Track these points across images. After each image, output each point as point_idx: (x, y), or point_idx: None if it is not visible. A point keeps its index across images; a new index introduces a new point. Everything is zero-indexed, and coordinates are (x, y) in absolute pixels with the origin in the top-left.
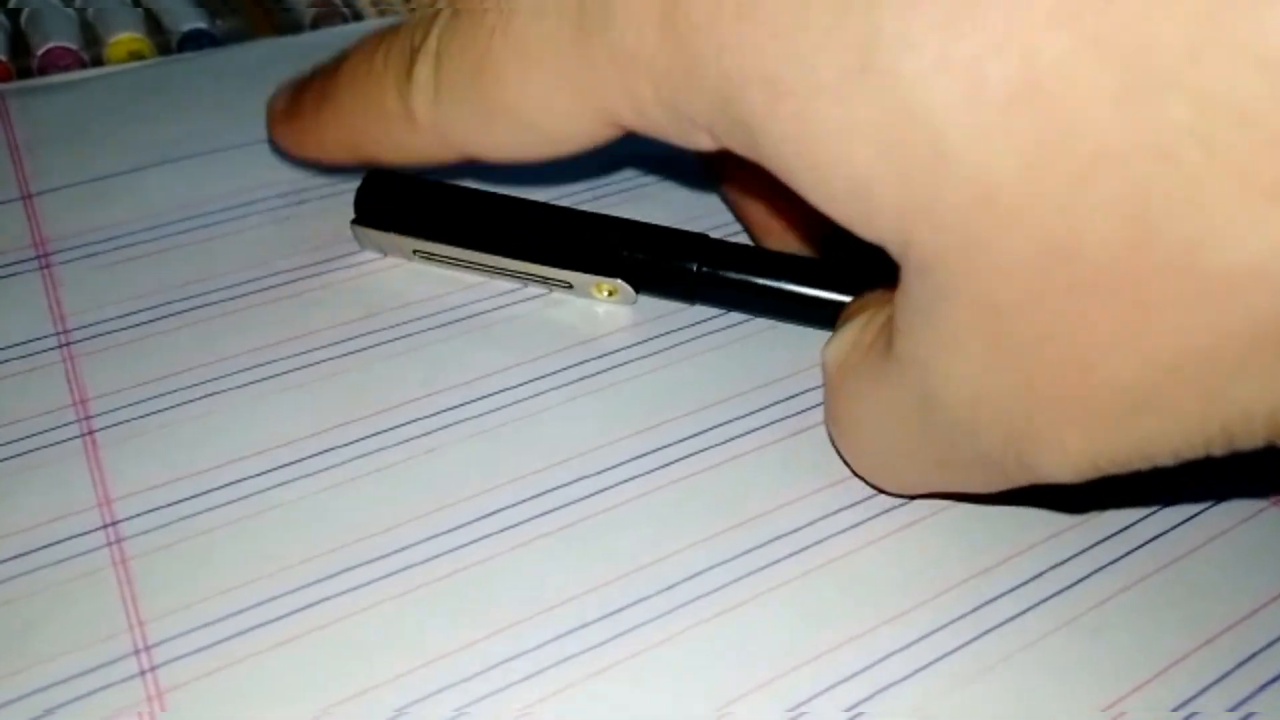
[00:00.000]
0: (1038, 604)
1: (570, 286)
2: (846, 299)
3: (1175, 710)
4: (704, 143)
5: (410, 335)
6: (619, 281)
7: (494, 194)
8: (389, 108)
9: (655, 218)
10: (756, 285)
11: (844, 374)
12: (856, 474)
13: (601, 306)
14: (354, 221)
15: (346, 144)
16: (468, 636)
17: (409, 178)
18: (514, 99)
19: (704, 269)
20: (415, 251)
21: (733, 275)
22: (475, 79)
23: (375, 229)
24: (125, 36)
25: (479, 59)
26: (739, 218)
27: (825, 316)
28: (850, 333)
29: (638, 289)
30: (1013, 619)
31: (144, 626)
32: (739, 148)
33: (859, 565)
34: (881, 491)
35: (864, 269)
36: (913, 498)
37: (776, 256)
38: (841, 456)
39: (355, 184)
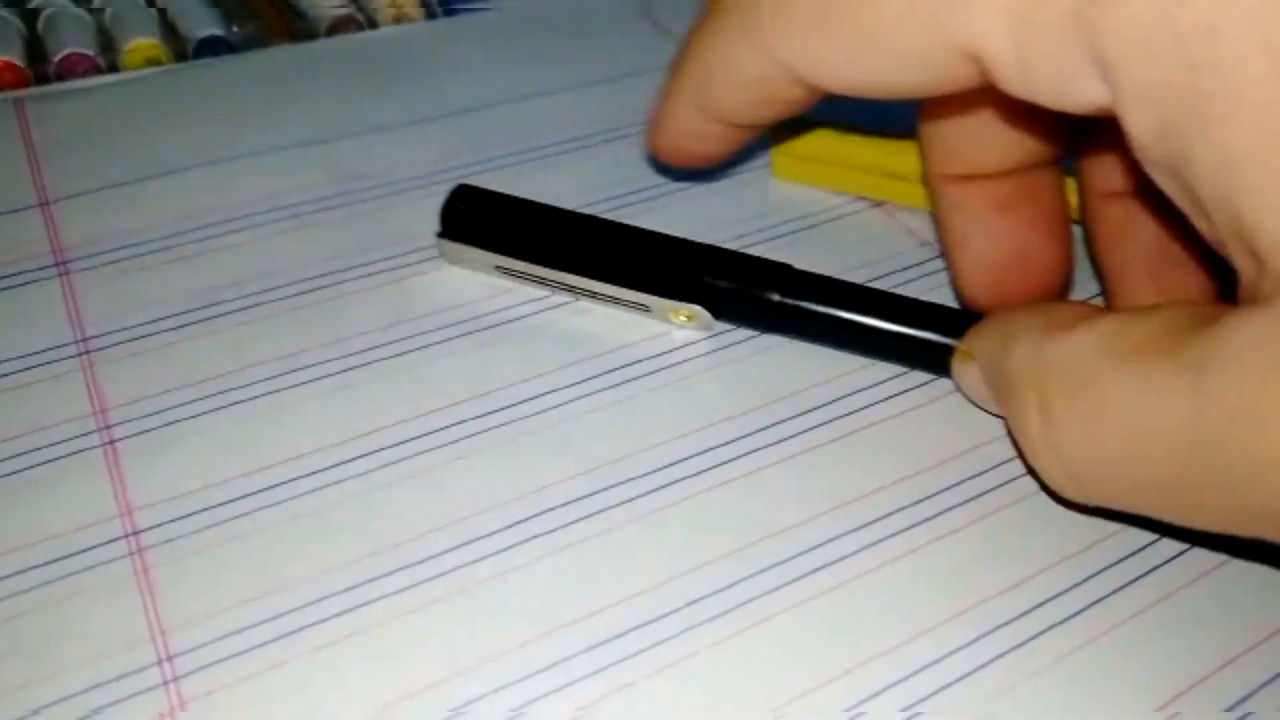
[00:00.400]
0: (1083, 610)
1: (648, 309)
2: (924, 335)
3: (1229, 710)
4: (1086, 97)
5: (438, 343)
6: (696, 307)
7: (574, 213)
8: (729, 37)
9: (682, 226)
10: (833, 318)
11: (1106, 362)
12: (1041, 469)
13: (678, 331)
14: (439, 234)
15: (694, 103)
16: (520, 638)
17: (494, 194)
18: (866, 13)
19: (783, 299)
20: (497, 267)
21: (812, 307)
22: None
23: (460, 243)
24: (142, 43)
25: None
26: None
27: (902, 352)
28: (1111, 323)
29: (716, 315)
30: (1061, 623)
31: (166, 635)
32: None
33: (914, 569)
34: (1049, 493)
35: (937, 309)
36: (1087, 510)
37: (853, 288)
38: (1022, 445)
39: (370, 195)
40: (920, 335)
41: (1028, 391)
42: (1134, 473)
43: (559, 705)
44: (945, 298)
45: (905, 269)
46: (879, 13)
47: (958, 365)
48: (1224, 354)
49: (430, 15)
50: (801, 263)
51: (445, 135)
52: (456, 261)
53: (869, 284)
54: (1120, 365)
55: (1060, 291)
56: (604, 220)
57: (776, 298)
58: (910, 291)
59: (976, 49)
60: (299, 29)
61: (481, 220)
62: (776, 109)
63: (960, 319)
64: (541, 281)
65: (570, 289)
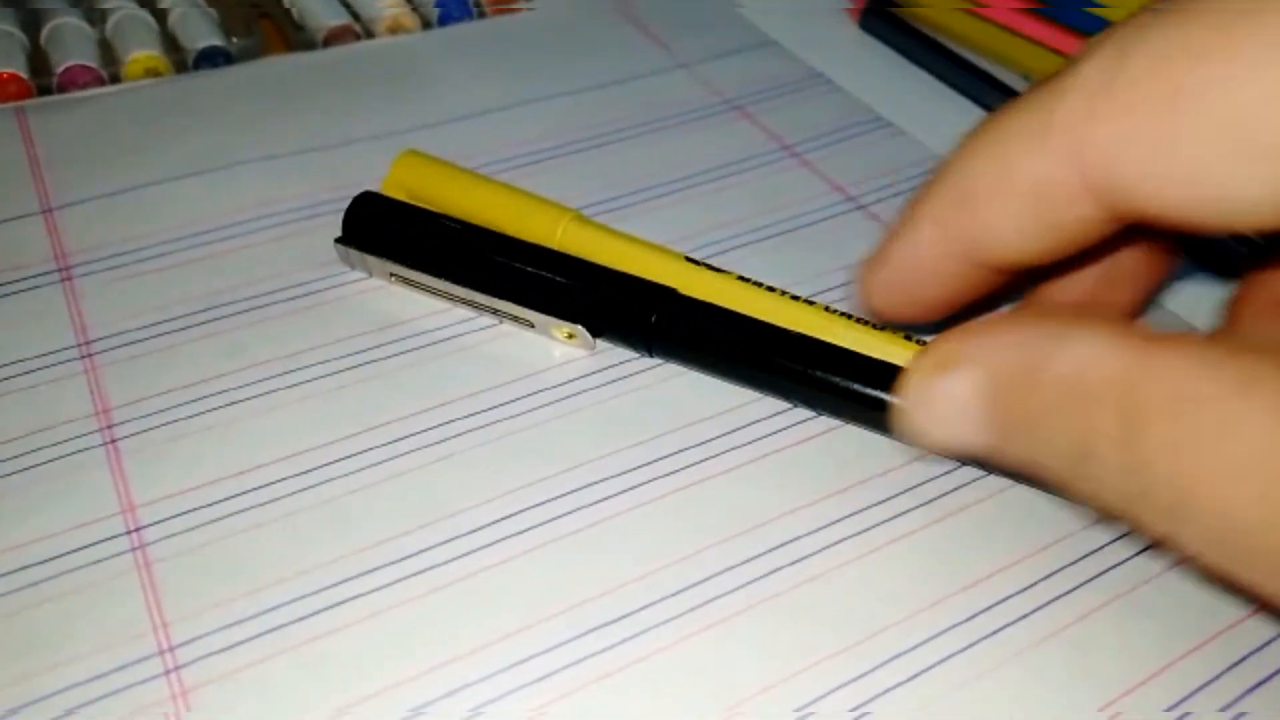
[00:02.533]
0: (1031, 612)
1: (531, 325)
2: (809, 370)
3: (1168, 710)
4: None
5: (417, 349)
6: (577, 326)
7: (470, 225)
8: (1013, 137)
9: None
10: (715, 342)
11: (1233, 391)
12: (1107, 488)
13: (559, 348)
14: (338, 240)
15: (944, 225)
16: (481, 639)
17: (395, 202)
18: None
19: (661, 320)
20: (392, 275)
21: (691, 330)
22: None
23: (355, 249)
24: (143, 54)
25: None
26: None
27: (785, 383)
28: (1223, 349)
29: (595, 335)
30: (1009, 625)
31: (168, 628)
32: None
33: (862, 573)
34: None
35: (823, 346)
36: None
37: (738, 317)
38: (1073, 467)
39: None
40: (800, 370)
41: (1105, 403)
42: (1251, 517)
43: (516, 706)
44: None
45: None
46: (1252, 93)
47: (923, 383)
48: None
49: (426, 26)
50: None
51: (438, 143)
52: (355, 267)
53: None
54: (1252, 397)
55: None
56: (495, 234)
57: (652, 318)
58: None
59: None
60: (297, 40)
61: (380, 228)
62: (1049, 234)
63: (844, 359)
64: (433, 292)
65: (459, 300)
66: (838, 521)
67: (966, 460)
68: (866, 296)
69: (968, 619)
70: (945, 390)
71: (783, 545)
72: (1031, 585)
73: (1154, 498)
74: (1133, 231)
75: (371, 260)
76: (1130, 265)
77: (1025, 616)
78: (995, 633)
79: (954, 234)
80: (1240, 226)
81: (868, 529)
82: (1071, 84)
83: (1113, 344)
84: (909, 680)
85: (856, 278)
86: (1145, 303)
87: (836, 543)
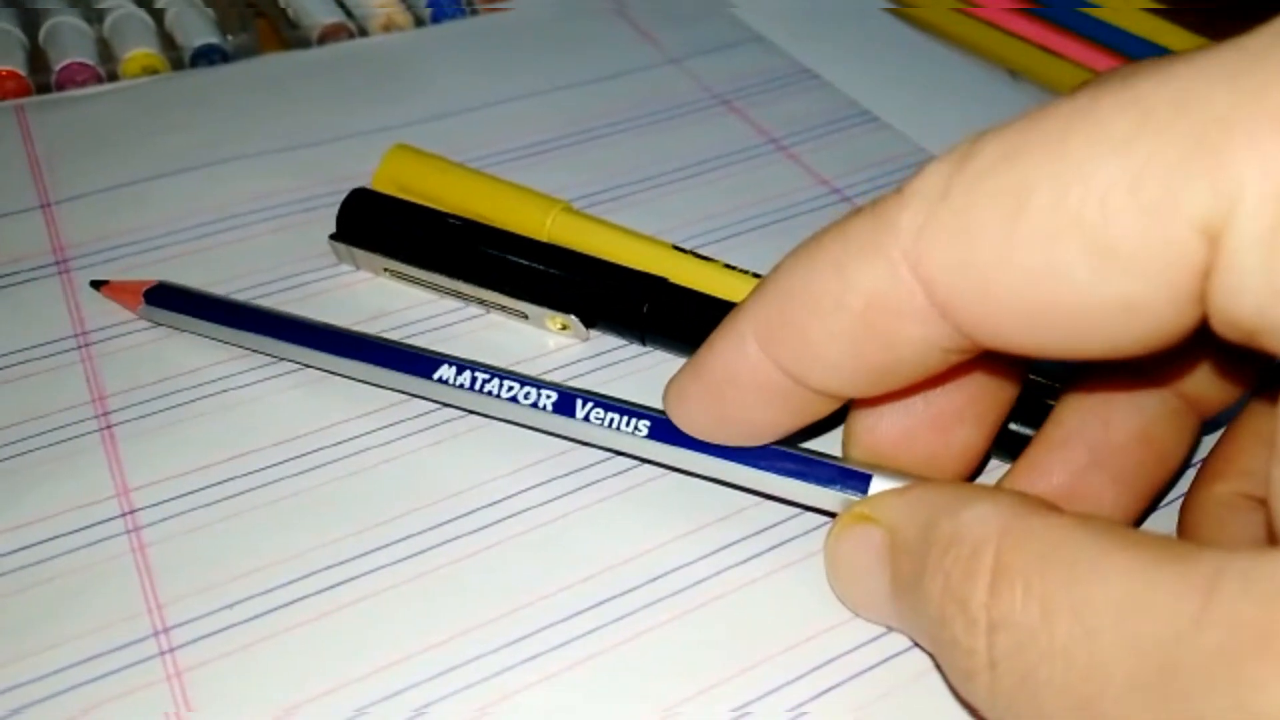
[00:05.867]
0: None
1: (525, 316)
2: None
3: None
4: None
5: (412, 339)
6: (571, 316)
7: (462, 219)
8: (841, 246)
9: (655, 222)
10: (705, 330)
11: (1098, 549)
12: (963, 646)
13: (553, 338)
14: (331, 236)
15: (766, 339)
16: (427, 640)
17: (388, 198)
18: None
19: (654, 310)
20: (385, 270)
21: (682, 318)
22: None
23: (349, 245)
24: (140, 52)
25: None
26: None
27: None
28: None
29: (589, 325)
30: None
31: (162, 609)
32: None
33: (801, 576)
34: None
35: None
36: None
37: (729, 305)
38: (943, 614)
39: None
40: None
41: (982, 555)
42: (1093, 661)
43: (458, 707)
44: None
45: None
46: (1087, 189)
47: (848, 528)
48: (1249, 575)
49: (419, 23)
50: None
51: (432, 138)
52: (349, 263)
53: None
54: (1115, 555)
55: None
56: (488, 228)
57: (645, 308)
58: None
59: (1219, 224)
60: (292, 38)
61: (373, 224)
62: (884, 358)
63: None
64: (427, 285)
65: (453, 293)
66: (771, 527)
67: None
68: (680, 411)
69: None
70: (855, 542)
71: (716, 551)
72: None
73: (997, 648)
74: (976, 364)
75: (365, 256)
76: (972, 398)
77: None
78: None
79: (778, 351)
80: (1090, 347)
81: (802, 534)
82: (913, 190)
83: (1002, 508)
84: (848, 681)
85: (669, 387)
86: (984, 446)
87: (773, 548)
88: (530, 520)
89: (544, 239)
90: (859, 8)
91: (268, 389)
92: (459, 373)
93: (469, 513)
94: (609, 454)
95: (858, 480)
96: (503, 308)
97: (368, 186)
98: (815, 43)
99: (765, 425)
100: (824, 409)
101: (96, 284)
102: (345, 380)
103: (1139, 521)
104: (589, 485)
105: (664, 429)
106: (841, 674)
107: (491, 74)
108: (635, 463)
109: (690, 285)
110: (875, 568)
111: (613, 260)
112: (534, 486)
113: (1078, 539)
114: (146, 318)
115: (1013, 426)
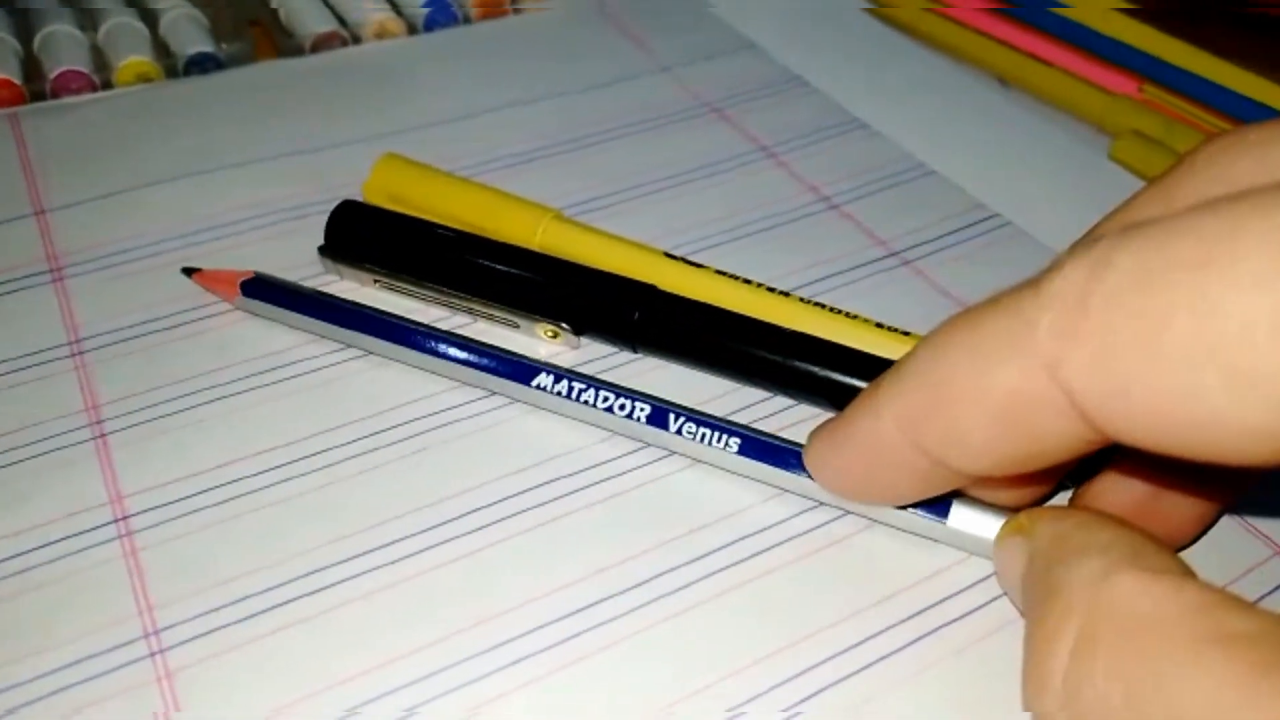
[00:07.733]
0: (953, 621)
1: (516, 325)
2: (788, 361)
3: None
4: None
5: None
6: (562, 325)
7: (454, 230)
8: (986, 342)
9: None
10: (696, 337)
11: (1189, 639)
12: (1036, 699)
13: (544, 346)
14: (321, 250)
15: (908, 425)
16: (417, 642)
17: (376, 210)
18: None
19: (644, 317)
20: (376, 281)
21: (673, 326)
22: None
23: (341, 258)
24: (134, 60)
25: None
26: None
27: (765, 374)
28: (1205, 595)
29: (579, 332)
30: (932, 632)
31: (153, 612)
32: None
33: (796, 576)
34: None
35: (801, 337)
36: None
37: (718, 312)
38: (1031, 667)
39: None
40: (782, 361)
41: (1072, 619)
42: None
43: (448, 709)
44: None
45: None
46: (1230, 322)
47: (1007, 537)
48: None
49: (412, 31)
50: None
51: (425, 145)
52: (338, 274)
53: None
54: (1208, 653)
55: None
56: (478, 238)
57: (635, 315)
58: None
59: None
60: (286, 46)
61: (361, 236)
62: (1029, 448)
63: (820, 348)
64: (417, 296)
65: (444, 304)
66: (769, 528)
67: None
68: (824, 479)
69: (893, 625)
70: (1007, 552)
71: (715, 551)
72: (946, 599)
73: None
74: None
75: (353, 269)
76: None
77: (943, 626)
78: (919, 639)
79: (919, 436)
80: (1225, 458)
81: (806, 532)
82: (1051, 292)
83: (1106, 565)
84: (842, 680)
85: (809, 451)
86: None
87: (770, 548)
88: (520, 523)
89: (535, 247)
90: (838, 7)
91: (257, 398)
92: (556, 381)
93: (458, 516)
94: (600, 459)
95: (939, 505)
96: (493, 317)
97: (358, 196)
98: (800, 46)
99: (907, 494)
100: (964, 482)
101: (188, 271)
102: (337, 387)
103: None
104: (579, 490)
105: (753, 446)
106: (835, 674)
107: (484, 82)
108: (625, 468)
109: (681, 292)
110: (1017, 585)
111: (604, 268)
112: (523, 491)
113: (1170, 621)
114: (243, 308)
115: None
